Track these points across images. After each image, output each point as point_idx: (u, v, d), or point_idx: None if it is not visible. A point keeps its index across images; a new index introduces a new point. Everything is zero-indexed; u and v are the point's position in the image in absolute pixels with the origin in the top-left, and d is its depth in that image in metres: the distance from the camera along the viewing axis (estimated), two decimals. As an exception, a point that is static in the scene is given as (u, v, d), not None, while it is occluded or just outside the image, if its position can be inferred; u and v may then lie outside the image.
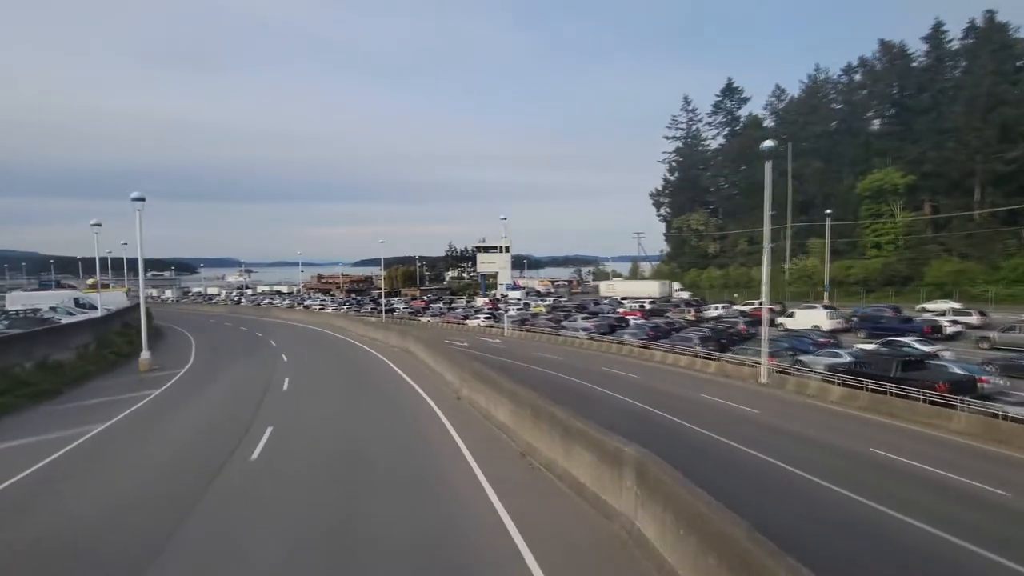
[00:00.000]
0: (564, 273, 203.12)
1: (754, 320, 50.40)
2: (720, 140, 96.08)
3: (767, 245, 30.47)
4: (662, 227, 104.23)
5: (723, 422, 19.88)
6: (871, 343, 32.55)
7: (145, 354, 26.47)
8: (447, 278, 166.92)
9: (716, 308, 56.43)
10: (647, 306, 65.75)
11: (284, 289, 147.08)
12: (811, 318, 44.39)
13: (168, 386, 23.73)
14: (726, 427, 19.03)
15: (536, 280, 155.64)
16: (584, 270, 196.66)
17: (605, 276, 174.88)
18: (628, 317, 52.57)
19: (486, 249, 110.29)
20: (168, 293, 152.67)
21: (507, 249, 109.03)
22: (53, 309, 30.73)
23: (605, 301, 78.85)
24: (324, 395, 23.01)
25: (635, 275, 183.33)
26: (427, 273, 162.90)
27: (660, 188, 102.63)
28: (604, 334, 44.88)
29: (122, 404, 20.17)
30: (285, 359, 32.37)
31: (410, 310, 75.63)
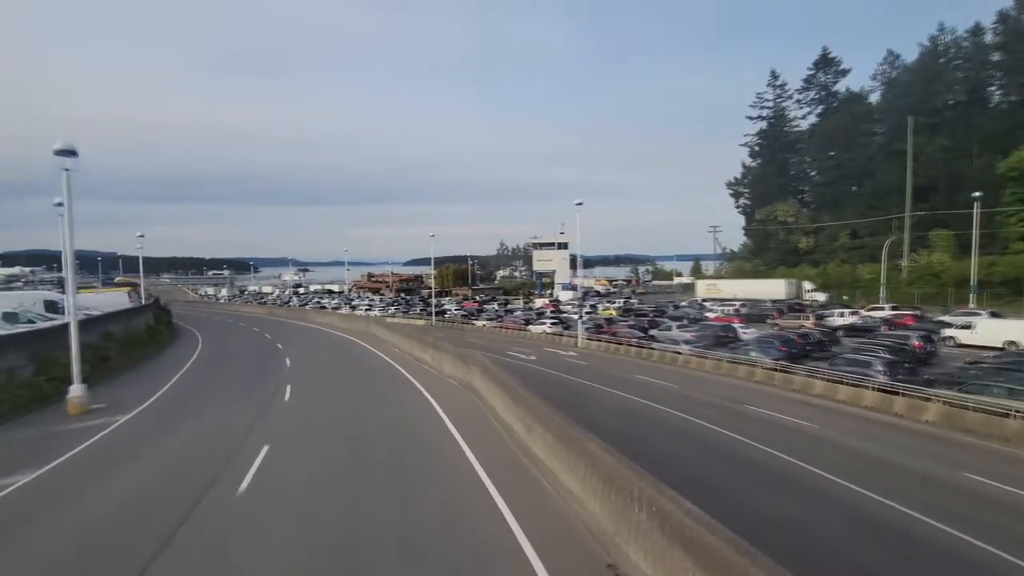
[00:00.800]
0: (616, 272, 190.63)
1: (901, 328, 38.61)
2: (812, 119, 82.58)
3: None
4: (740, 220, 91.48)
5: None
6: None
7: (76, 389, 17.20)
8: (497, 277, 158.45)
9: (843, 314, 44.38)
10: (741, 310, 54.17)
11: (335, 288, 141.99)
12: (1003, 331, 32.15)
13: (76, 452, 13.74)
14: None
15: (592, 279, 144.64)
16: (641, 269, 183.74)
17: (666, 276, 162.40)
18: (732, 325, 41.44)
19: (542, 246, 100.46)
20: (223, 291, 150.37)
21: (565, 246, 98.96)
22: (5, 316, 22.80)
23: (684, 303, 67.47)
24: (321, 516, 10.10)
25: (697, 273, 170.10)
26: (478, 272, 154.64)
27: (739, 176, 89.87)
28: (709, 347, 34.32)
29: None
30: (287, 397, 20.67)
31: (462, 312, 66.51)
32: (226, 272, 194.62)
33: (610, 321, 48.45)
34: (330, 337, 42.35)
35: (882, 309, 46.31)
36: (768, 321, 49.60)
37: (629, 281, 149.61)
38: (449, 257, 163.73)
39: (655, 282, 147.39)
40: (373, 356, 31.86)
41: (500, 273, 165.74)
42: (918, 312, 44.99)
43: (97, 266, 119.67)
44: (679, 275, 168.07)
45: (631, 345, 37.45)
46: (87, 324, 24.34)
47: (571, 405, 20.14)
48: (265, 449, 13.72)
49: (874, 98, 75.99)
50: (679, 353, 33.70)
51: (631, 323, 44.87)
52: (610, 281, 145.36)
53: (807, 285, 67.26)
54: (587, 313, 57.68)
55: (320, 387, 22.17)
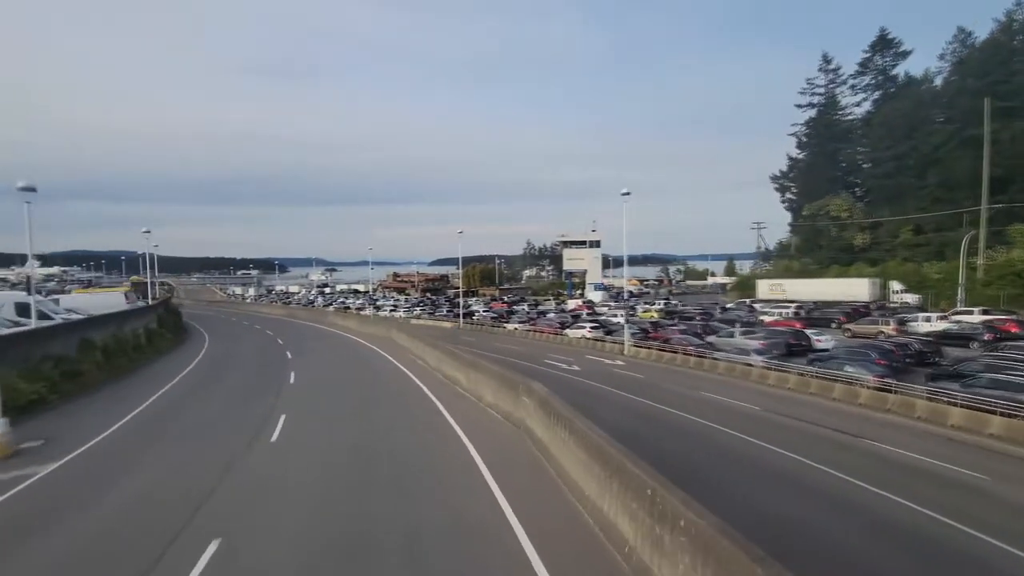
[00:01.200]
0: (644, 272, 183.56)
1: (1005, 336, 32.71)
2: (868, 106, 75.66)
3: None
4: (779, 216, 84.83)
5: None
6: None
7: (-8, 428, 12.84)
8: (524, 277, 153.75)
9: (928, 319, 38.32)
10: (800, 312, 48.34)
11: (360, 288, 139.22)
12: None
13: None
14: None
15: (624, 279, 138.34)
16: (671, 268, 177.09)
17: (699, 275, 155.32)
18: (804, 331, 35.97)
19: (572, 244, 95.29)
20: (251, 291, 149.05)
21: (597, 244, 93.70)
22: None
23: (730, 305, 61.72)
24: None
25: (731, 273, 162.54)
26: (504, 272, 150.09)
27: (784, 169, 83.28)
28: (779, 357, 29.18)
29: None
30: (274, 437, 15.13)
31: (492, 314, 61.86)
32: (254, 272, 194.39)
33: (656, 325, 43.22)
34: (347, 344, 37.65)
35: (970, 313, 40.07)
36: (833, 326, 43.82)
37: (661, 281, 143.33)
38: (475, 257, 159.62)
39: (688, 282, 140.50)
40: (394, 372, 25.84)
41: (526, 273, 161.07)
42: (1015, 316, 38.72)
43: (121, 266, 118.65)
44: (712, 275, 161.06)
45: (688, 354, 32.24)
46: (60, 331, 20.44)
47: (640, 438, 15.34)
48: (212, 548, 8.49)
49: (939, 81, 68.84)
50: (750, 365, 28.41)
51: (682, 327, 39.57)
52: (641, 281, 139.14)
53: (895, 285, 59.58)
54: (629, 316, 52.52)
55: (321, 421, 16.56)
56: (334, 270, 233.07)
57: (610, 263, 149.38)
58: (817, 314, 48.25)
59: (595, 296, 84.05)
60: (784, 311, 49.11)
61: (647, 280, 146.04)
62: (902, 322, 38.23)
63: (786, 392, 24.52)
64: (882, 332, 37.78)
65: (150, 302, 38.66)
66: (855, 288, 58.53)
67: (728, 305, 60.85)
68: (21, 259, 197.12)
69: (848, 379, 23.37)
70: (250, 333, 44.43)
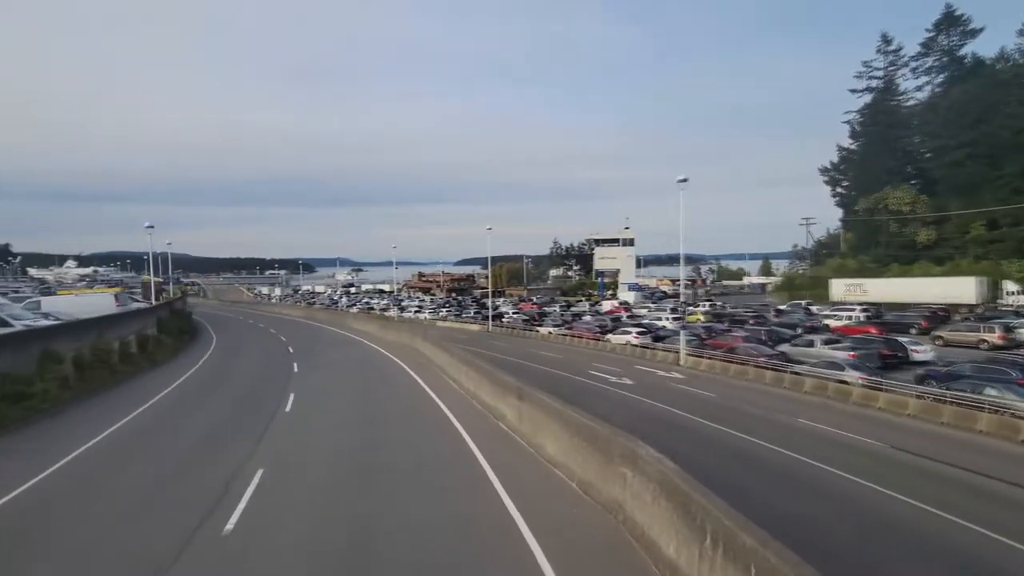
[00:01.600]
0: (674, 272, 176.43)
1: None
2: (930, 90, 68.61)
3: None
4: (836, 211, 78.16)
5: None
6: None
7: None
8: (550, 277, 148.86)
9: (1043, 325, 32.26)
10: (872, 316, 42.48)
11: (385, 287, 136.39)
12: None
13: None
14: None
15: (654, 279, 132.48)
16: (703, 268, 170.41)
17: (733, 275, 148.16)
18: (898, 340, 30.49)
19: (604, 242, 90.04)
20: (276, 291, 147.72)
21: (631, 242, 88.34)
22: None
23: (783, 307, 55.88)
24: None
25: (767, 272, 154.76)
26: (532, 271, 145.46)
27: (835, 161, 76.61)
28: (871, 371, 23.92)
29: None
30: (231, 524, 9.27)
31: (523, 316, 57.13)
32: (281, 273, 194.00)
33: (711, 331, 37.98)
34: (365, 355, 32.10)
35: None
36: (913, 331, 37.95)
37: (694, 281, 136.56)
38: (500, 256, 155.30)
39: (724, 282, 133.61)
40: (420, 398, 19.88)
41: (552, 272, 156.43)
42: None
43: (143, 265, 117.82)
44: (746, 274, 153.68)
45: (761, 367, 27.05)
46: (9, 342, 16.49)
47: (747, 495, 10.56)
48: None
49: (1019, 59, 61.51)
50: (844, 383, 23.13)
51: (743, 333, 34.29)
52: (672, 281, 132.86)
53: (1010, 286, 50.67)
54: (674, 319, 47.30)
55: (308, 492, 10.94)
56: (360, 270, 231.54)
57: (640, 263, 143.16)
58: (891, 317, 42.28)
59: (628, 297, 78.84)
60: (852, 314, 43.22)
61: (679, 280, 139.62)
62: (1008, 329, 32.29)
63: (906, 420, 19.29)
64: (984, 340, 32.02)
65: (153, 303, 35.12)
66: (958, 288, 49.39)
67: (781, 307, 54.99)
68: (60, 260, 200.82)
69: (995, 406, 18.01)
70: (261, 338, 40.17)
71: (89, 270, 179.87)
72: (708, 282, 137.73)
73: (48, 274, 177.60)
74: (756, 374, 26.69)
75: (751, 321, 46.40)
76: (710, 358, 30.54)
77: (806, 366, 26.11)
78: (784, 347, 30.21)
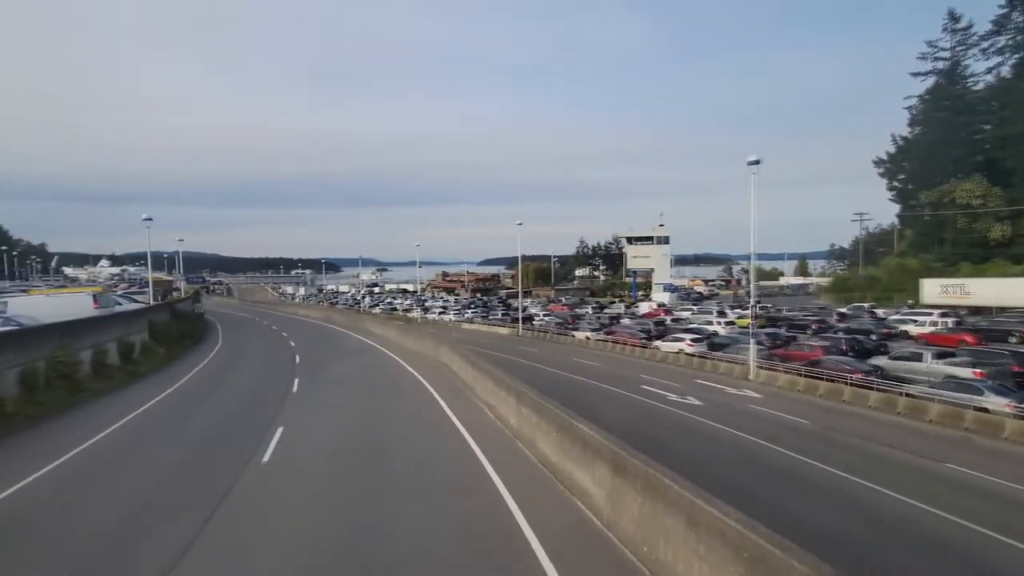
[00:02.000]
0: (701, 272, 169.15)
1: None
2: (1000, 73, 61.64)
3: None
4: (891, 207, 71.47)
5: None
6: None
7: None
8: (576, 276, 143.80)
9: None
10: (962, 322, 36.66)
11: (409, 287, 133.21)
12: None
13: None
14: None
15: (685, 279, 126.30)
16: (735, 268, 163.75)
17: (769, 275, 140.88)
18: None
19: (637, 240, 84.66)
20: (301, 291, 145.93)
21: (666, 240, 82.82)
22: None
23: (843, 310, 49.99)
24: None
25: (803, 272, 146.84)
26: (558, 271, 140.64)
27: (891, 152, 69.96)
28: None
29: None
30: None
31: (555, 319, 52.39)
32: (306, 272, 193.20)
33: (775, 338, 32.74)
34: (382, 369, 25.88)
35: None
36: (1013, 340, 32.19)
37: (728, 282, 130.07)
38: (526, 256, 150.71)
39: (765, 283, 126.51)
40: (448, 439, 13.77)
41: (578, 272, 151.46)
42: None
43: (173, 264, 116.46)
44: (781, 274, 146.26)
45: (858, 385, 21.96)
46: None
47: None
48: None
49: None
50: (984, 410, 17.99)
51: (822, 343, 29.02)
52: (706, 282, 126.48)
53: None
54: (726, 323, 42.21)
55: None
56: (384, 269, 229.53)
57: (671, 262, 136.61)
58: (984, 324, 36.42)
59: (663, 297, 73.48)
60: (932, 320, 37.37)
61: (711, 280, 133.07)
62: None
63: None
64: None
65: (151, 303, 31.39)
66: None
67: (841, 310, 49.18)
68: (95, 259, 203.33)
69: None
70: (269, 344, 35.25)
71: (118, 269, 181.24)
72: (741, 283, 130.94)
73: (82, 273, 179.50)
74: (854, 395, 21.61)
75: (813, 326, 41.02)
76: (786, 372, 25.50)
77: (919, 386, 20.95)
78: (880, 360, 24.98)
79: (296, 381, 21.22)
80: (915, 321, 38.28)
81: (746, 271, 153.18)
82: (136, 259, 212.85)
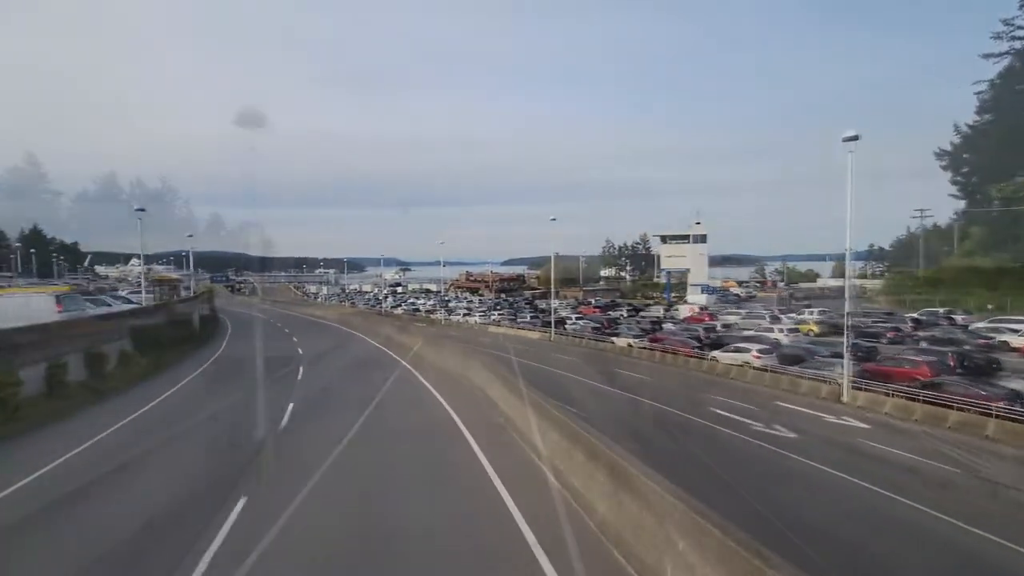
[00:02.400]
0: (727, 273, 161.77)
1: None
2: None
3: None
4: (952, 203, 64.92)
5: None
6: None
7: None
8: (602, 277, 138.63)
9: None
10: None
11: (432, 287, 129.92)
12: None
13: None
14: None
15: (718, 280, 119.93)
16: (768, 269, 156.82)
17: (805, 277, 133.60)
18: None
19: (672, 239, 79.53)
20: (324, 290, 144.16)
21: (702, 239, 77.51)
22: None
23: (915, 316, 44.20)
24: None
25: (841, 274, 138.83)
26: (584, 271, 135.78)
27: (956, 143, 63.48)
28: None
29: None
30: None
31: (590, 323, 47.74)
32: (330, 272, 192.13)
33: (856, 349, 27.51)
34: (397, 392, 20.02)
35: None
36: None
37: (763, 283, 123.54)
38: (548, 257, 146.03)
39: (800, 285, 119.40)
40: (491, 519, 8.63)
41: (604, 272, 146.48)
42: None
43: (203, 262, 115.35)
44: (817, 275, 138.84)
45: (1005, 417, 17.00)
46: None
47: None
48: None
49: None
50: None
51: (923, 358, 23.89)
52: (739, 283, 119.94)
53: None
54: (788, 331, 37.13)
55: None
56: (408, 269, 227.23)
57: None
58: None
59: (700, 299, 68.32)
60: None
61: (744, 282, 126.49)
62: None
63: None
64: None
65: (143, 304, 27.75)
66: None
67: (914, 316, 43.46)
68: (126, 258, 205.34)
69: None
70: (274, 355, 29.16)
71: (146, 268, 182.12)
72: (776, 284, 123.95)
73: (113, 271, 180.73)
74: (1002, 430, 16.62)
75: (889, 335, 35.76)
76: (891, 394, 20.56)
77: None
78: (1015, 383, 19.83)
79: (288, 408, 16.31)
80: (1016, 331, 32.67)
81: (779, 272, 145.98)
82: (161, 258, 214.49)
